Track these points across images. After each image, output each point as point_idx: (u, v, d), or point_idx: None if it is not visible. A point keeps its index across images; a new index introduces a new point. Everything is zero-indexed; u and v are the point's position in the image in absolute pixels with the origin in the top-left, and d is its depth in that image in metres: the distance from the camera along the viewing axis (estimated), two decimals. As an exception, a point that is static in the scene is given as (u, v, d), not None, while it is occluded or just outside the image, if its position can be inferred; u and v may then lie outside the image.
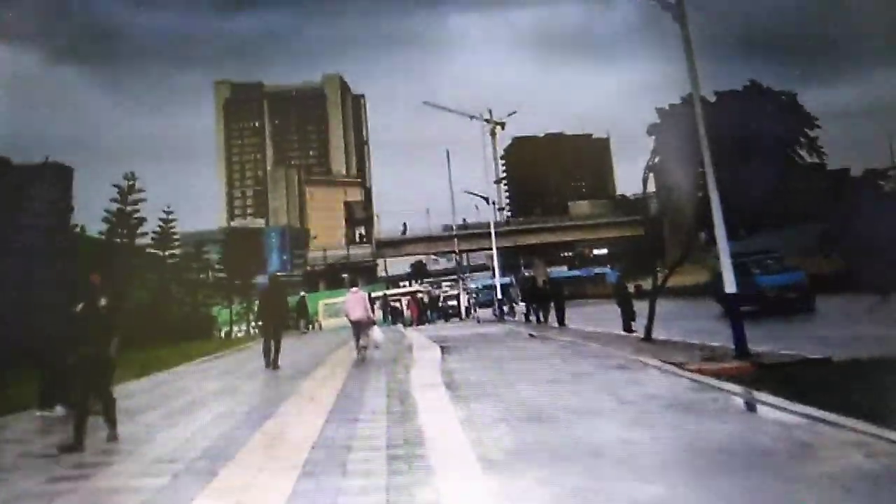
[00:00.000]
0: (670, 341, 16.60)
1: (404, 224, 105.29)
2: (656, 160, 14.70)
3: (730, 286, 12.43)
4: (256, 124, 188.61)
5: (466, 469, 5.55)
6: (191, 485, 5.36)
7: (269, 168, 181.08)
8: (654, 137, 14.80)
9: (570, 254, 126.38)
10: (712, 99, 13.97)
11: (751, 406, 8.20)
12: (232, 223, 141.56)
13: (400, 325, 34.95)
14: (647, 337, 16.80)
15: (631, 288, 23.29)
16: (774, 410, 7.51)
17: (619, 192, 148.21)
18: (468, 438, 6.72)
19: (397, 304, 41.74)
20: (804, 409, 7.07)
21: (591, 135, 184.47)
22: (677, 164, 14.02)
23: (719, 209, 12.36)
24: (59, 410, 9.84)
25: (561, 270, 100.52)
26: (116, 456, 6.82)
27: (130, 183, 31.02)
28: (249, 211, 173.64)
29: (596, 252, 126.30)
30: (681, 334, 17.70)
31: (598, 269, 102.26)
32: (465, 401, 9.08)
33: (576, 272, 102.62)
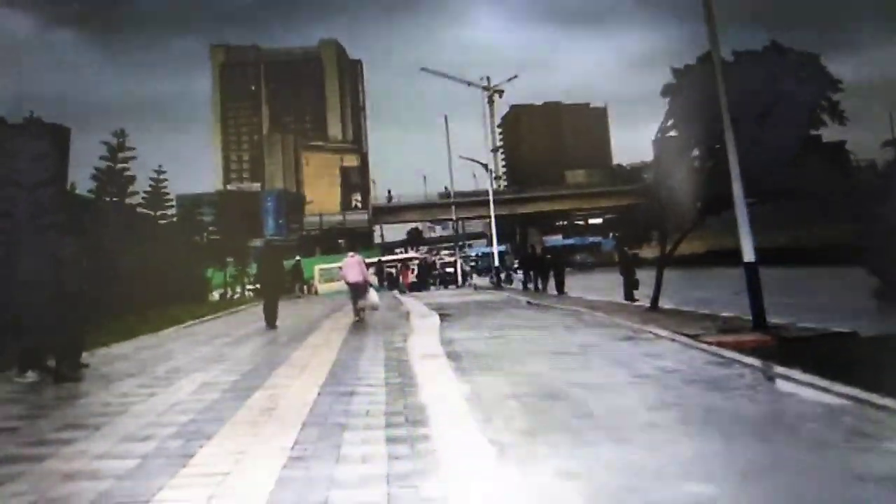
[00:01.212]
0: (678, 310, 16.02)
1: (388, 191, 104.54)
2: (670, 122, 13.93)
3: (748, 255, 11.75)
4: (253, 88, 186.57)
5: (477, 455, 4.87)
6: (160, 470, 4.67)
7: (265, 132, 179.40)
8: (668, 99, 14.02)
9: (566, 222, 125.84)
10: (730, 61, 13.18)
11: (782, 384, 7.54)
12: (228, 187, 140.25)
13: (395, 292, 34.33)
14: (654, 306, 16.21)
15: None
16: (812, 390, 6.84)
17: (615, 161, 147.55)
18: (475, 418, 6.04)
19: (392, 271, 41.12)
20: (847, 390, 6.38)
21: (588, 104, 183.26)
22: (692, 127, 13.26)
23: (738, 173, 11.65)
24: (31, 376, 9.17)
25: (556, 239, 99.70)
26: (81, 431, 6.11)
27: (120, 140, 30.05)
28: (245, 175, 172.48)
29: (592, 221, 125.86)
30: (687, 303, 17.13)
31: (593, 238, 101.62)
32: (469, 374, 8.42)
33: (571, 241, 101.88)
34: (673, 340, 10.83)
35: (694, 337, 11.07)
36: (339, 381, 8.12)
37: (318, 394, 7.36)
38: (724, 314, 14.36)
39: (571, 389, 7.30)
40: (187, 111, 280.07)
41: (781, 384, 7.48)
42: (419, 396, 7.09)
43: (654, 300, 16.16)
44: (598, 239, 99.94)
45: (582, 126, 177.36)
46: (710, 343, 10.37)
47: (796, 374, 7.69)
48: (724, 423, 5.82)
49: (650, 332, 11.85)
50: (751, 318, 12.45)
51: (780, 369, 8.05)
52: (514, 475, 4.41)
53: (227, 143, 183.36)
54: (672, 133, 13.86)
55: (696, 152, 13.56)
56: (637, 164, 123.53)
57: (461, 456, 4.86)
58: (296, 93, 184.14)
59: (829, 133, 13.60)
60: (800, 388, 7.08)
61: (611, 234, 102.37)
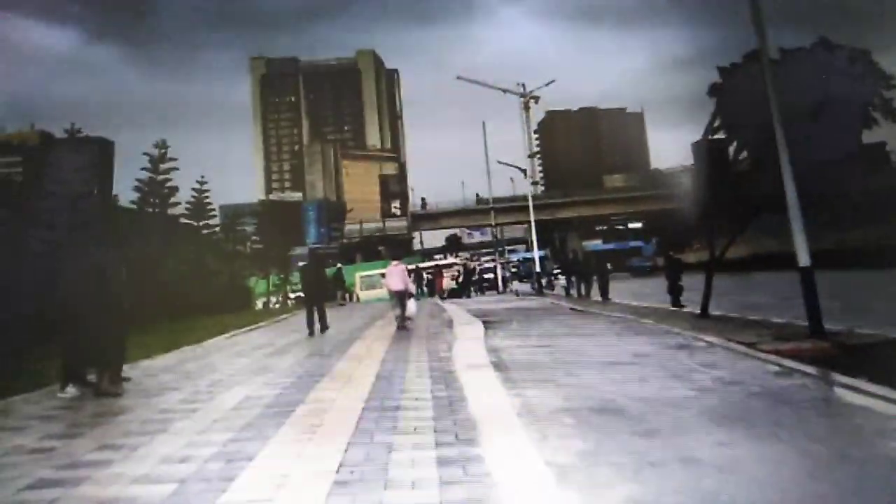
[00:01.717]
0: (727, 317, 15.46)
1: (422, 199, 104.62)
2: (717, 123, 13.42)
3: (804, 259, 11.21)
4: (292, 99, 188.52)
5: (535, 480, 4.53)
6: (198, 497, 4.41)
7: (305, 142, 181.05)
8: (714, 99, 13.50)
9: (605, 227, 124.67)
10: (776, 58, 12.64)
11: (852, 396, 7.05)
12: (270, 196, 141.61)
13: (437, 299, 34.07)
14: (704, 313, 15.67)
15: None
16: (886, 403, 6.38)
17: (653, 165, 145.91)
18: (529, 436, 5.70)
19: (431, 277, 40.87)
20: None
21: (625, 108, 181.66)
22: (741, 127, 12.76)
23: (791, 174, 11.13)
24: (71, 391, 9.04)
25: (596, 244, 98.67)
26: (118, 452, 5.90)
27: (162, 151, 30.29)
28: (287, 185, 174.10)
29: (631, 225, 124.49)
30: (735, 309, 16.54)
31: (633, 243, 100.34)
32: (518, 385, 8.07)
33: (611, 245, 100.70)
34: (728, 349, 10.37)
35: (750, 345, 10.59)
36: (384, 395, 7.83)
37: (363, 409, 7.08)
38: (776, 320, 13.81)
39: (629, 403, 6.92)
40: (229, 122, 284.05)
41: (851, 396, 7.00)
42: (468, 411, 6.77)
43: (704, 306, 15.62)
44: (638, 243, 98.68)
45: (619, 130, 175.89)
46: (767, 351, 9.90)
47: (866, 385, 7.21)
48: (798, 441, 5.41)
49: (704, 339, 11.38)
50: (804, 324, 11.98)
51: (847, 380, 7.57)
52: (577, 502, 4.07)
53: (268, 154, 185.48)
54: (720, 134, 13.32)
55: (744, 153, 13.02)
56: (675, 168, 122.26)
57: (518, 481, 4.52)
58: (335, 103, 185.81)
59: (883, 132, 12.94)
60: (872, 400, 6.62)
61: (653, 239, 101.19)
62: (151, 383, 9.93)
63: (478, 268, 48.84)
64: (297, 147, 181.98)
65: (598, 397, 7.31)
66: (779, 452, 5.13)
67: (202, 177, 37.10)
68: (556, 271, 44.80)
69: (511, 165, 53.11)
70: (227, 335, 17.66)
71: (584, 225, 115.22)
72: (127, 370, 10.19)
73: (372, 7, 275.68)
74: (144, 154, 30.88)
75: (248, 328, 19.98)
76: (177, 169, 30.99)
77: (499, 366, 9.57)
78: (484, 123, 49.64)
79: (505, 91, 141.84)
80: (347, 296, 36.96)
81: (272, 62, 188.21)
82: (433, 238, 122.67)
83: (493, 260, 50.95)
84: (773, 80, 11.33)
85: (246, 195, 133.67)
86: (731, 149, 13.11)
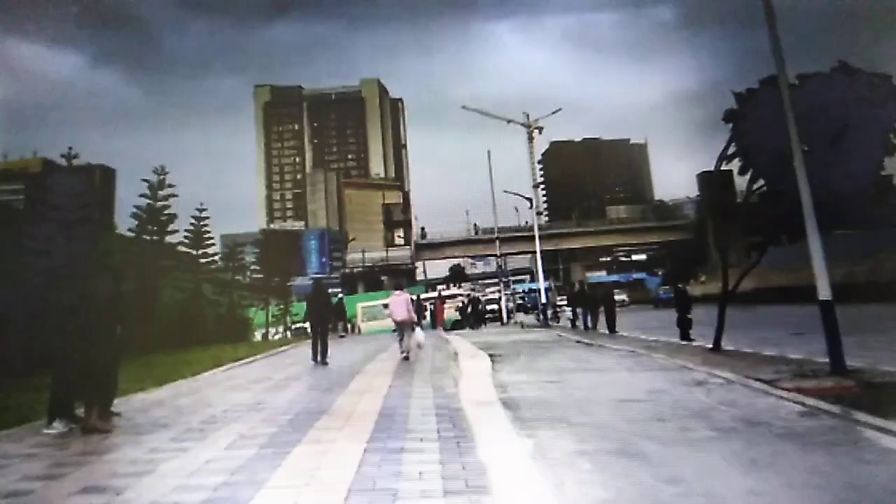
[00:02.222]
0: (741, 352, 14.97)
1: (422, 228, 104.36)
2: (732, 150, 13.05)
3: (824, 292, 10.77)
4: (296, 127, 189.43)
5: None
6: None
7: (308, 171, 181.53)
8: (730, 125, 13.16)
9: (609, 258, 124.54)
10: (794, 83, 12.32)
11: (888, 440, 6.59)
12: (271, 225, 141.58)
13: (440, 330, 33.57)
14: (716, 347, 15.19)
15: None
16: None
17: (657, 196, 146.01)
18: (545, 483, 5.25)
19: (433, 308, 40.35)
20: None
21: (628, 139, 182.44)
22: (758, 153, 12.39)
23: (810, 202, 10.75)
24: (58, 426, 8.59)
25: (600, 275, 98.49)
26: (101, 496, 5.46)
27: (161, 177, 29.90)
28: (289, 214, 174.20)
29: (635, 257, 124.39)
30: (746, 344, 16.06)
31: (637, 274, 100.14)
32: (530, 425, 7.62)
33: (615, 277, 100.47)
34: (747, 386, 9.90)
35: (769, 382, 10.12)
36: (387, 435, 7.37)
37: (365, 450, 6.63)
38: (793, 356, 13.33)
39: (648, 445, 6.47)
40: (232, 151, 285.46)
41: (887, 440, 6.54)
42: (477, 454, 6.31)
43: (717, 340, 15.14)
44: (642, 275, 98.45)
45: (622, 161, 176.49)
46: (788, 389, 9.42)
47: (897, 426, 6.76)
48: (835, 489, 4.96)
49: (720, 376, 10.92)
50: (822, 360, 11.51)
51: (878, 421, 7.10)
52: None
53: (270, 183, 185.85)
54: (735, 161, 12.94)
55: (760, 181, 12.63)
56: (679, 200, 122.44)
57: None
58: (338, 131, 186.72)
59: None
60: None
61: (656, 271, 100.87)
62: (142, 419, 9.47)
63: (482, 299, 48.33)
64: (299, 176, 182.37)
65: (614, 438, 6.87)
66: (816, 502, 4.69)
67: (201, 204, 36.87)
68: (560, 302, 44.32)
69: (517, 195, 52.89)
70: (223, 368, 17.19)
71: (588, 256, 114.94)
72: (118, 404, 9.75)
73: (377, 36, 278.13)
74: (143, 180, 30.65)
75: (246, 360, 19.50)
76: (175, 196, 30.61)
77: (508, 403, 9.12)
78: (489, 152, 49.38)
79: (509, 121, 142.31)
80: (349, 327, 36.44)
81: (276, 90, 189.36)
82: (437, 268, 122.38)
83: (498, 291, 50.44)
84: (791, 105, 11.01)
85: (248, 224, 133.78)
86: (747, 177, 12.72)
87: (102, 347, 8.93)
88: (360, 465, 6.06)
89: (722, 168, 14.10)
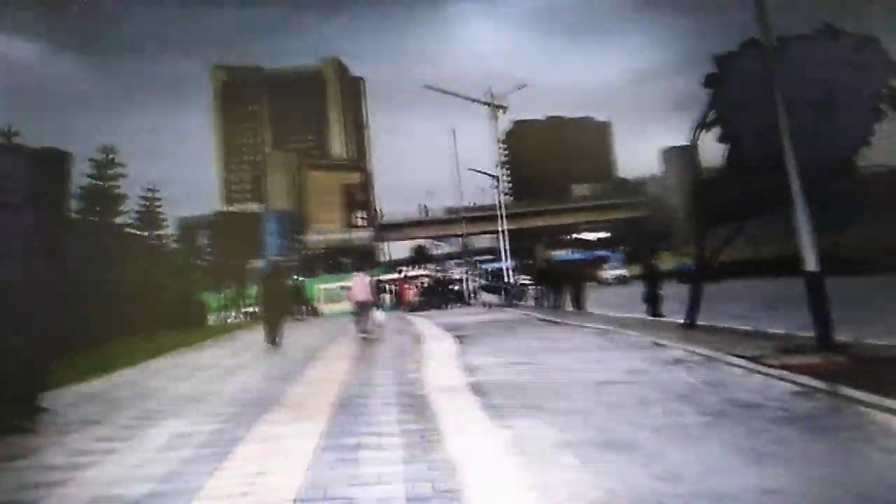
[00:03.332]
0: (716, 328, 14.37)
1: (379, 210, 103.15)
2: (712, 116, 12.28)
3: (811, 262, 10.15)
4: (254, 108, 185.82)
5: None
6: None
7: (266, 152, 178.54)
8: (709, 91, 12.36)
9: (572, 237, 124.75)
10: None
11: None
12: (230, 207, 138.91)
13: (403, 312, 32.79)
14: (691, 323, 14.58)
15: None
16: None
17: (620, 174, 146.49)
18: (527, 484, 4.50)
19: (397, 289, 39.48)
20: None
21: (591, 117, 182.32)
22: (740, 118, 11.68)
23: (796, 169, 10.10)
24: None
25: (563, 253, 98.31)
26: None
27: (109, 157, 28.31)
28: (248, 196, 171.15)
29: (598, 235, 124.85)
30: (721, 319, 15.47)
31: (600, 252, 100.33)
32: (503, 413, 6.86)
33: (578, 255, 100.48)
34: (730, 364, 9.26)
35: (753, 359, 9.48)
36: (342, 429, 6.55)
37: (316, 449, 5.81)
38: (772, 331, 12.77)
39: (638, 434, 5.77)
40: (190, 134, 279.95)
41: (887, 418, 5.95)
42: (446, 450, 5.54)
43: (691, 316, 14.53)
44: (605, 253, 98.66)
45: (585, 140, 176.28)
46: (776, 367, 8.78)
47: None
48: (860, 484, 4.29)
49: (699, 353, 10.28)
50: (804, 335, 10.87)
51: (883, 401, 6.46)
52: None
53: (228, 164, 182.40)
54: (714, 129, 12.18)
55: (739, 149, 11.89)
56: (642, 177, 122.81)
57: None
58: (297, 112, 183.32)
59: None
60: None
61: (620, 248, 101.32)
62: (72, 415, 8.50)
63: (446, 279, 47.50)
64: (258, 157, 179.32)
65: (598, 427, 6.15)
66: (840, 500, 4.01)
67: (152, 184, 35.23)
68: (525, 281, 43.80)
69: (483, 172, 52.08)
70: (171, 355, 16.19)
71: (551, 234, 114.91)
72: (49, 398, 8.77)
73: (339, 16, 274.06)
74: (90, 160, 28.87)
75: (196, 346, 18.49)
76: (124, 175, 29.08)
77: (477, 388, 8.35)
78: (454, 130, 48.70)
79: (473, 100, 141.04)
80: (308, 309, 35.35)
81: (234, 70, 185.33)
82: (400, 249, 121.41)
83: (467, 271, 49.63)
84: (776, 67, 10.34)
85: (208, 207, 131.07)
86: (727, 145, 11.97)
87: (32, 338, 7.97)
88: (310, 467, 5.23)
89: (689, 143, 13.38)
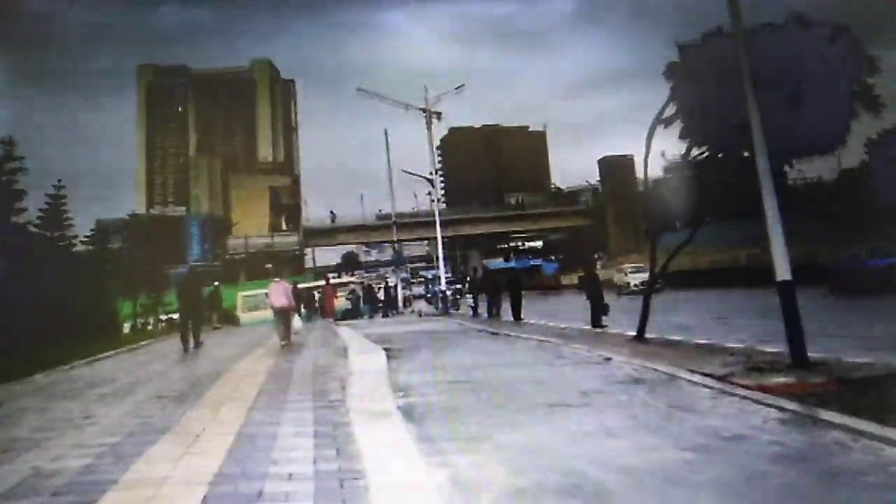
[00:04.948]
0: (667, 340, 13.48)
1: (332, 212, 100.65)
2: (672, 110, 11.28)
3: (783, 271, 9.23)
4: (180, 109, 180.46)
5: None
6: None
7: (191, 154, 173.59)
8: (670, 82, 11.38)
9: (506, 245, 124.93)
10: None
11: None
12: (151, 210, 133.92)
13: (329, 321, 31.21)
14: (640, 336, 13.65)
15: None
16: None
17: (555, 184, 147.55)
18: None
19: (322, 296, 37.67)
20: None
21: (527, 127, 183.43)
22: (702, 113, 10.74)
23: (768, 168, 9.20)
24: None
25: (497, 262, 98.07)
26: None
27: (7, 149, 25.77)
28: (171, 199, 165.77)
29: (531, 244, 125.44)
30: (669, 331, 14.61)
31: (534, 261, 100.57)
32: (440, 446, 5.64)
33: (512, 263, 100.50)
34: (696, 384, 8.24)
35: (721, 379, 8.50)
36: (242, 469, 5.18)
37: (206, 497, 4.45)
38: (731, 345, 11.90)
39: (605, 476, 4.65)
40: (113, 134, 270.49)
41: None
42: (370, 497, 4.27)
43: (641, 329, 13.60)
44: (538, 261, 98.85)
45: (521, 149, 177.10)
46: (750, 388, 7.79)
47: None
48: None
49: (658, 370, 9.26)
50: (768, 350, 10.42)
51: (890, 432, 5.44)
52: None
53: (151, 167, 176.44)
54: (675, 123, 11.17)
55: (704, 147, 10.96)
56: (577, 187, 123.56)
57: None
58: (225, 113, 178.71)
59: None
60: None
61: (552, 258, 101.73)
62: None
63: (377, 286, 46.00)
64: (182, 160, 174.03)
65: (558, 465, 4.99)
66: None
67: (59, 181, 32.50)
68: (458, 287, 42.78)
69: (416, 175, 50.58)
70: (64, 368, 14.39)
71: (486, 243, 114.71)
72: None
73: (272, 20, 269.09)
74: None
75: (97, 358, 16.69)
76: (24, 169, 26.45)
77: (409, 413, 7.06)
78: (386, 131, 47.07)
79: (407, 107, 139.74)
80: (225, 318, 33.19)
81: (161, 70, 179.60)
82: (329, 255, 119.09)
83: (402, 278, 48.17)
84: (732, 64, 9.47)
85: (129, 210, 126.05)
86: (688, 142, 11.00)
87: None
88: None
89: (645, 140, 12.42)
